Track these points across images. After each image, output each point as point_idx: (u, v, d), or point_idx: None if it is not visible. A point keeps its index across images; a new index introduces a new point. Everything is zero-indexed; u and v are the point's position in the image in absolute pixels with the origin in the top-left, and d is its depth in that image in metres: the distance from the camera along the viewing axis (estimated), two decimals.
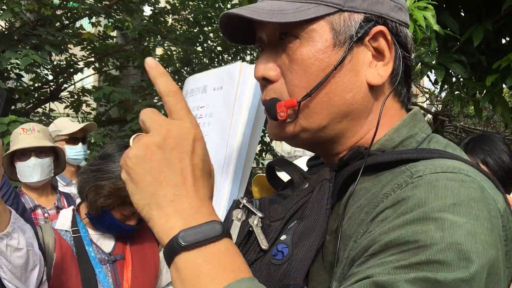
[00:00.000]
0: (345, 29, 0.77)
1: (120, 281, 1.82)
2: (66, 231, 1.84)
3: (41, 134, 2.69)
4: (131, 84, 7.64)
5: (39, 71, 6.85)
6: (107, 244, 1.87)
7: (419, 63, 3.63)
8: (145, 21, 6.93)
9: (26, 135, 2.62)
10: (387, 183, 0.70)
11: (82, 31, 7.47)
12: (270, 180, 1.00)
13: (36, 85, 7.05)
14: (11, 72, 6.48)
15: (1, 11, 6.04)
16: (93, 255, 1.81)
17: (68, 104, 7.69)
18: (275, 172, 1.01)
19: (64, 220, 1.87)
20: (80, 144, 3.35)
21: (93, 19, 7.62)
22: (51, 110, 7.77)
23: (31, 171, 2.59)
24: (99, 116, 7.42)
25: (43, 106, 7.28)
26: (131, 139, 0.69)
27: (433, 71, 3.57)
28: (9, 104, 6.27)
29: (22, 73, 6.72)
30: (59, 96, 7.37)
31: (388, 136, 0.80)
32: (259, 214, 0.81)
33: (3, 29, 6.46)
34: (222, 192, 1.12)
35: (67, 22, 7.38)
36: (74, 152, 3.29)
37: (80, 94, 7.66)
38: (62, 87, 7.36)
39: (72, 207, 1.97)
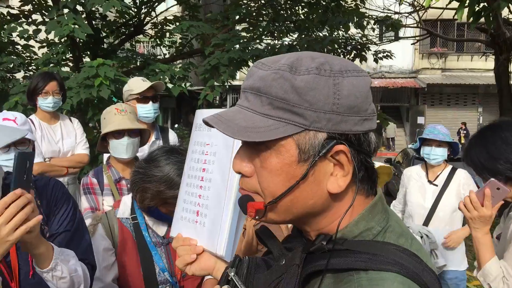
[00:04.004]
0: (309, 148, 0.86)
1: (173, 261, 2.11)
2: (126, 218, 2.15)
3: (132, 115, 2.99)
4: (207, 16, 7.72)
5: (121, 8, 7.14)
6: (161, 229, 2.14)
7: None
8: None
9: (120, 115, 2.91)
10: None
11: None
12: (261, 242, 1.16)
13: (120, 21, 7.38)
14: (96, 13, 6.85)
15: None
16: (149, 239, 2.10)
17: (152, 35, 8.02)
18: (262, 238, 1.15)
19: (124, 208, 2.17)
20: (151, 102, 3.58)
21: None
22: (137, 41, 8.17)
23: (124, 148, 2.90)
24: (180, 47, 7.69)
25: (128, 41, 7.68)
26: None
27: None
28: (97, 45, 6.72)
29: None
30: (143, 29, 7.69)
31: (349, 228, 0.92)
32: None
33: None
34: (224, 226, 1.27)
35: None
36: (145, 111, 3.56)
37: (164, 24, 7.94)
38: (145, 20, 7.65)
39: (131, 194, 2.24)
